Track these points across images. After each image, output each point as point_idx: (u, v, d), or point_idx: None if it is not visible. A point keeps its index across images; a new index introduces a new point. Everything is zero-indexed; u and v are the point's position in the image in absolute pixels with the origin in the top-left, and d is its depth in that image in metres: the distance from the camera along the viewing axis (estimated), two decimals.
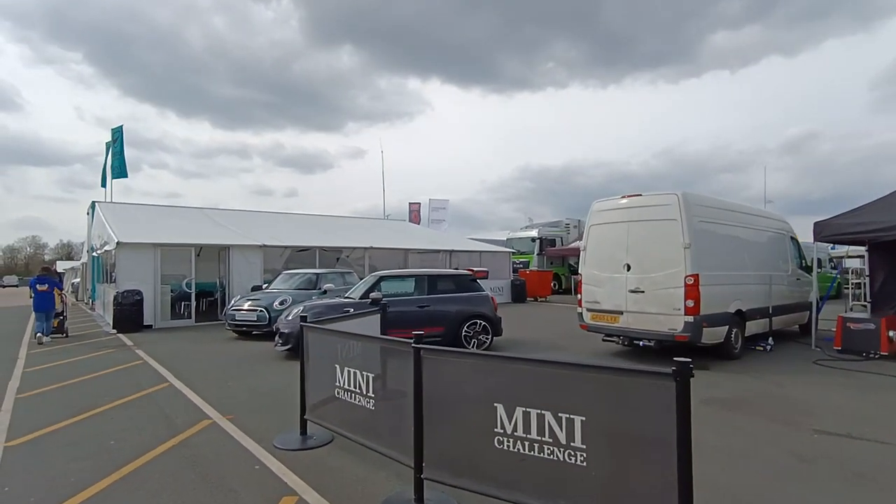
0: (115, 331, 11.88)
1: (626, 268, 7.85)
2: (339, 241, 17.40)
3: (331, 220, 21.55)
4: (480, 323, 8.76)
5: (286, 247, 15.97)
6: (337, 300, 8.71)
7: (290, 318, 8.32)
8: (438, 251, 18.68)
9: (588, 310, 8.42)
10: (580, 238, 26.53)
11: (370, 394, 3.65)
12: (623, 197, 8.15)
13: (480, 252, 20.14)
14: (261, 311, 10.41)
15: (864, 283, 10.67)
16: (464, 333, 8.67)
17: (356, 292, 9.12)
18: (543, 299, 21.19)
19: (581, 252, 8.65)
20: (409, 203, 38.49)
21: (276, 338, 8.38)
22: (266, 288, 12.12)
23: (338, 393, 3.97)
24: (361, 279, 13.44)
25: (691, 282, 7.17)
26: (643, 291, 7.60)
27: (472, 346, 8.65)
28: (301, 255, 17.97)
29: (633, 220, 7.84)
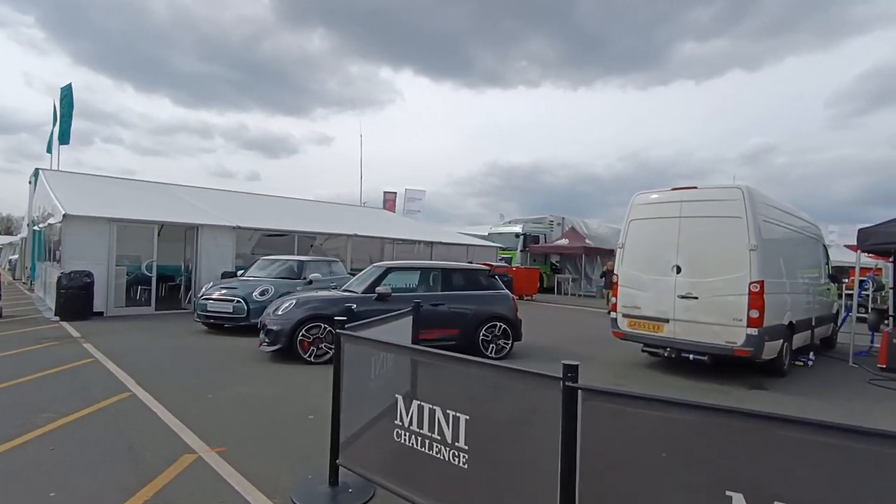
0: (57, 318, 10.11)
1: (675, 270, 6.89)
2: (317, 226, 15.92)
3: (305, 205, 19.94)
4: (500, 326, 7.65)
5: (263, 230, 14.41)
6: (336, 293, 7.40)
7: (280, 312, 6.97)
8: (424, 242, 17.44)
9: (625, 315, 7.43)
10: (563, 236, 25.94)
11: (461, 444, 2.46)
12: (674, 189, 7.18)
13: (468, 245, 19.04)
14: (238, 301, 8.95)
15: (890, 296, 10.19)
16: (482, 337, 7.53)
17: (357, 284, 7.83)
18: (530, 298, 20.29)
19: (618, 250, 7.65)
20: (384, 192, 36.94)
21: (262, 335, 7.01)
22: (241, 275, 10.62)
23: (398, 434, 2.76)
24: (352, 271, 12.10)
25: (757, 289, 6.26)
26: (696, 297, 6.65)
27: (491, 352, 7.53)
28: (271, 240, 16.44)
29: (686, 216, 6.87)
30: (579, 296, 22.52)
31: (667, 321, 6.94)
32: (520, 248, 24.41)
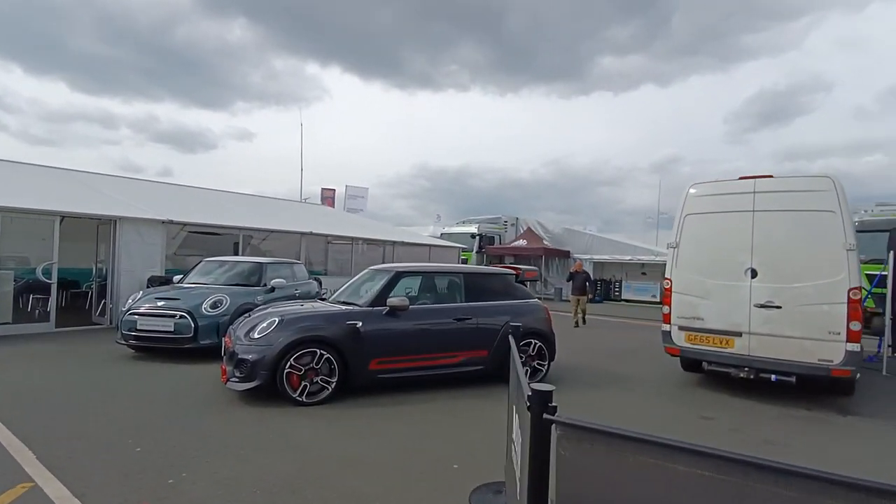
0: None
1: (749, 273, 5.79)
2: (263, 222, 13.62)
3: (239, 199, 17.33)
4: (535, 344, 6.18)
5: (202, 226, 11.97)
6: (331, 307, 5.56)
7: (257, 334, 5.04)
8: (389, 242, 15.64)
9: (682, 328, 6.23)
10: (519, 237, 25.10)
11: None
12: (743, 178, 6.08)
13: (430, 246, 17.44)
14: (181, 316, 6.78)
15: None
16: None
17: (353, 294, 6.04)
18: None
19: (670, 250, 6.45)
20: (323, 189, 34.26)
21: (231, 368, 5.04)
22: (178, 281, 8.35)
23: None
24: (311, 274, 10.15)
25: (857, 296, 5.27)
26: (779, 307, 5.57)
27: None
28: (201, 238, 13.98)
29: (762, 210, 5.79)
30: (540, 299, 21.64)
31: (739, 335, 5.81)
32: (476, 248, 23.19)
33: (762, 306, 5.66)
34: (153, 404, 4.89)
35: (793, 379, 5.54)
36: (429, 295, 5.88)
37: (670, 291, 6.35)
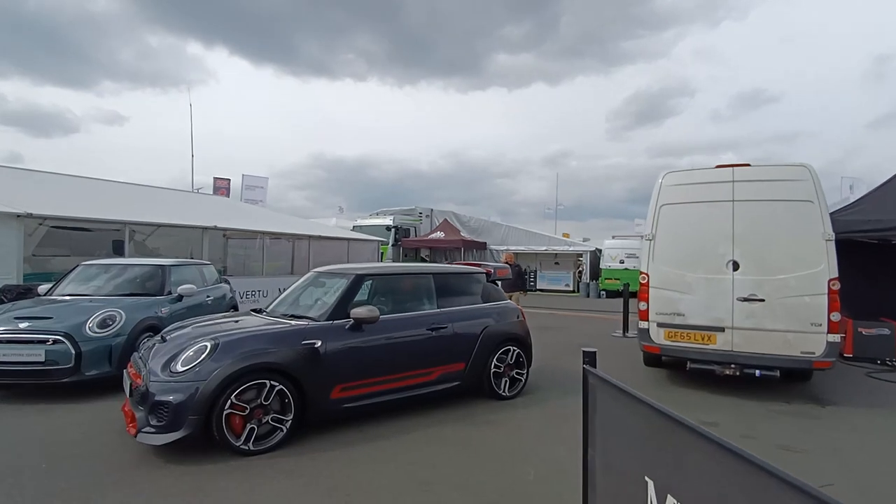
0: None
1: (730, 266, 5.57)
2: (155, 215, 11.49)
3: (118, 189, 14.63)
4: (514, 350, 5.46)
5: (71, 220, 9.68)
6: (281, 324, 4.34)
7: (181, 365, 3.73)
8: (305, 237, 14.10)
9: (661, 325, 5.90)
10: (436, 229, 24.42)
11: None
12: (719, 166, 5.84)
13: (348, 240, 16.13)
14: (56, 341, 5.09)
15: None
16: (493, 369, 5.26)
17: (305, 304, 4.89)
18: None
19: (645, 242, 6.07)
20: (216, 178, 30.86)
21: (143, 414, 3.69)
22: (47, 293, 6.44)
23: None
24: (219, 276, 8.65)
25: (836, 287, 5.23)
26: (762, 300, 5.41)
27: (504, 389, 5.32)
28: (68, 235, 11.63)
29: (741, 200, 5.58)
30: None
31: (722, 330, 5.58)
32: (391, 241, 22.14)
33: (745, 300, 5.46)
34: (24, 474, 3.41)
35: (777, 373, 5.41)
36: (394, 301, 4.89)
37: (647, 286, 5.98)
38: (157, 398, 3.64)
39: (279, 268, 13.94)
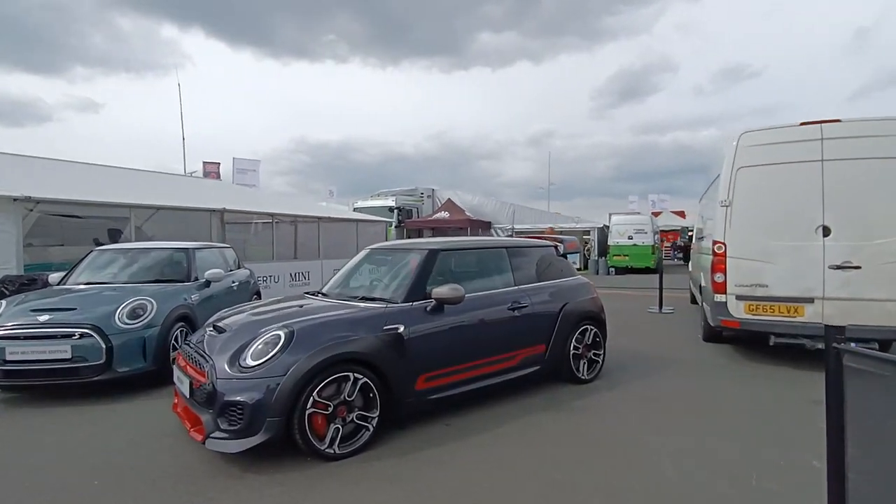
0: None
1: (820, 231, 5.13)
2: (159, 199, 10.74)
3: (108, 172, 13.72)
4: (591, 330, 5.00)
5: (75, 203, 8.95)
6: (358, 308, 3.76)
7: (252, 359, 3.18)
8: (319, 218, 13.44)
9: (741, 297, 5.47)
10: (439, 209, 23.81)
11: None
12: (805, 123, 5.36)
13: (357, 221, 15.50)
14: (84, 334, 4.48)
15: None
16: (572, 351, 4.80)
17: (367, 285, 4.35)
18: None
19: (721, 209, 5.60)
20: (205, 162, 29.74)
21: (210, 417, 3.14)
22: (61, 282, 5.79)
23: None
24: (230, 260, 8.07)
25: None
26: (858, 267, 4.99)
27: (582, 372, 4.87)
28: (60, 221, 10.93)
29: (832, 159, 5.12)
30: None
31: (811, 301, 5.17)
32: (395, 223, 21.53)
33: (838, 267, 5.04)
34: (76, 495, 2.86)
35: (876, 346, 5.02)
36: (469, 279, 4.36)
37: (724, 256, 5.54)
38: (227, 398, 3.10)
39: (279, 253, 13.29)
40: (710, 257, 5.82)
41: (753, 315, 5.41)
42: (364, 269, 4.71)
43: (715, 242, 5.63)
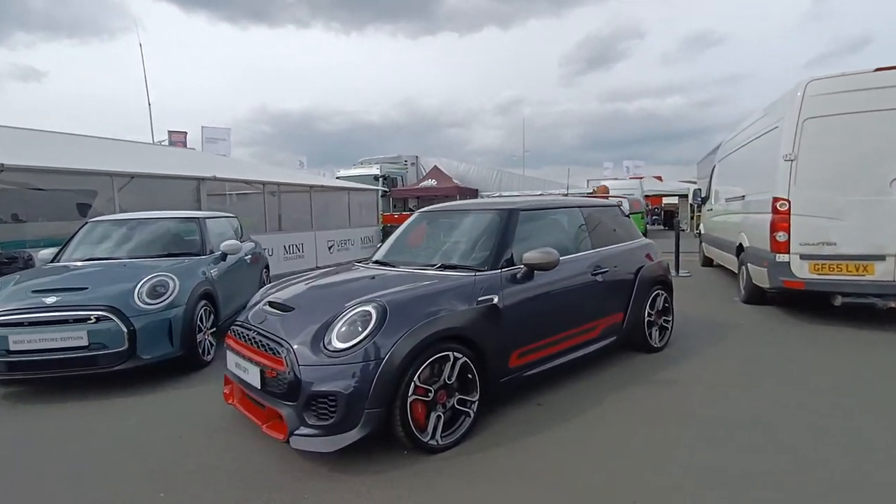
0: None
1: (894, 185, 4.87)
2: (137, 167, 9.76)
3: (74, 140, 12.49)
4: (662, 296, 4.66)
5: (50, 171, 7.98)
6: (449, 278, 3.24)
7: (341, 342, 2.66)
8: (312, 186, 12.65)
9: (805, 256, 5.21)
10: (426, 177, 23.06)
11: None
12: (880, 69, 5.02)
13: (348, 189, 14.74)
14: (101, 317, 3.84)
15: None
16: (646, 318, 4.45)
17: (428, 251, 3.85)
18: None
19: (784, 163, 5.27)
20: (171, 131, 28.07)
21: (294, 410, 2.63)
22: (54, 259, 5.04)
23: None
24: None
25: None
26: None
27: (654, 340, 4.54)
28: (23, 194, 9.89)
29: None
30: None
31: (883, 258, 4.95)
32: (381, 192, 20.75)
33: None
34: None
35: None
36: (549, 242, 3.89)
37: (788, 214, 5.24)
38: (315, 389, 2.59)
39: (250, 225, 12.48)
40: (764, 216, 5.53)
41: (819, 275, 5.17)
42: (425, 234, 4.19)
43: (777, 200, 5.32)
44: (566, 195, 16.74)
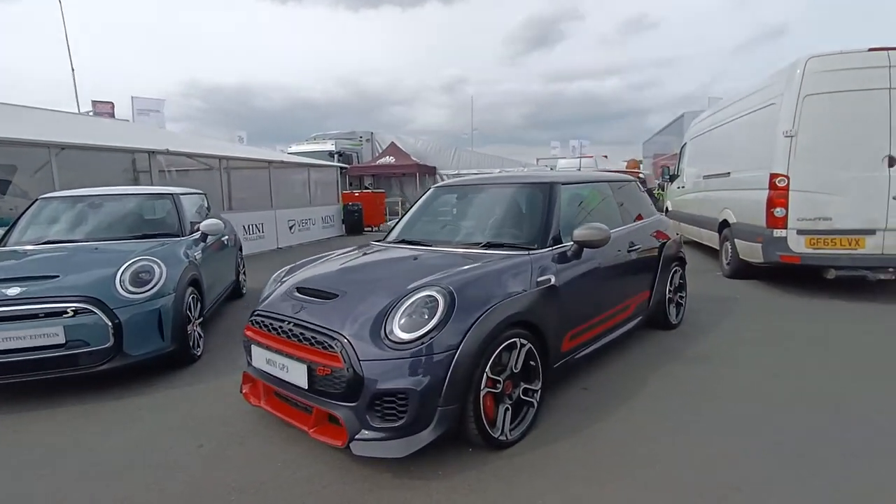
0: None
1: (886, 161, 5.06)
2: (70, 137, 8.66)
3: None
4: (678, 272, 4.63)
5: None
6: (502, 261, 2.93)
7: (406, 333, 2.34)
8: (271, 162, 11.82)
9: (802, 231, 5.35)
10: (383, 153, 22.31)
11: None
12: (873, 49, 5.14)
13: (308, 166, 13.97)
14: (81, 309, 3.27)
15: None
16: (668, 296, 4.40)
17: (454, 230, 3.56)
18: (377, 228, 16.76)
19: (784, 139, 5.35)
20: (95, 101, 25.53)
21: (356, 412, 2.30)
22: (1, 243, 4.30)
23: None
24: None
25: None
26: None
27: (673, 317, 4.52)
28: None
29: None
30: None
31: (873, 232, 5.16)
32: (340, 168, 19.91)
33: None
34: None
35: None
36: (587, 218, 3.70)
37: (786, 190, 5.34)
38: (381, 386, 2.27)
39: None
40: (762, 192, 5.62)
41: (814, 249, 5.32)
42: (445, 210, 3.88)
43: (775, 175, 5.40)
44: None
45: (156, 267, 3.74)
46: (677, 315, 4.59)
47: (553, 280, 2.90)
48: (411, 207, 4.07)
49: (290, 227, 12.60)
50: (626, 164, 19.75)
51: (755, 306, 5.32)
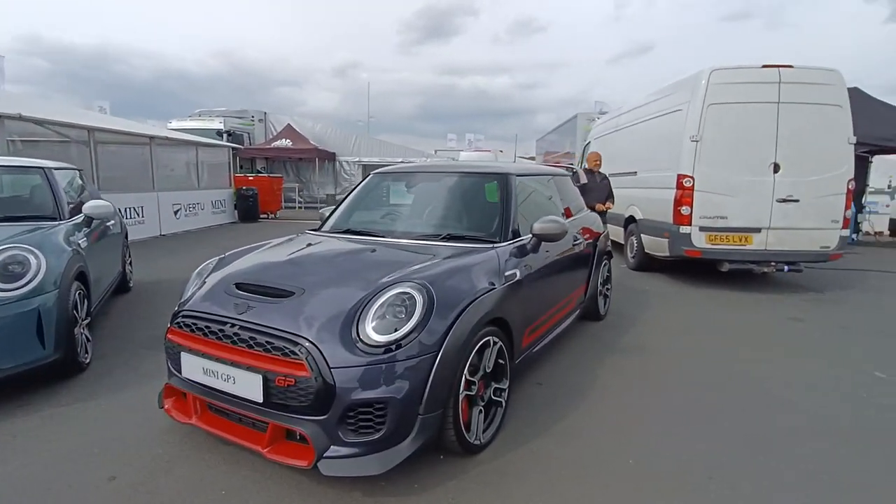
0: None
1: (772, 168, 5.72)
2: None
3: None
4: (607, 265, 4.82)
5: None
6: (467, 255, 2.72)
7: (379, 335, 2.07)
8: (153, 138, 10.38)
9: (704, 228, 5.87)
10: (278, 136, 20.80)
11: None
12: (766, 66, 5.74)
13: (197, 144, 12.58)
14: None
15: None
16: (598, 288, 4.57)
17: (398, 220, 3.34)
18: (274, 216, 15.70)
19: (691, 143, 5.81)
20: None
21: (327, 427, 1.99)
22: None
23: None
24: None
25: (852, 187, 5.82)
26: (797, 200, 5.73)
27: (602, 309, 4.70)
28: None
29: (786, 102, 5.66)
30: (318, 208, 19.02)
31: (758, 230, 5.82)
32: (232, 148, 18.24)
33: (783, 201, 5.71)
34: None
35: (801, 268, 5.93)
36: (537, 211, 3.64)
37: (692, 190, 5.82)
38: (356, 396, 1.99)
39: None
40: (669, 191, 6.06)
41: (713, 245, 5.87)
42: (388, 199, 3.61)
43: (683, 177, 5.86)
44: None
45: (30, 257, 3.01)
46: (605, 307, 4.78)
47: (518, 276, 2.80)
48: (348, 195, 3.73)
49: (176, 212, 11.29)
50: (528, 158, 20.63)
51: (664, 298, 5.74)
